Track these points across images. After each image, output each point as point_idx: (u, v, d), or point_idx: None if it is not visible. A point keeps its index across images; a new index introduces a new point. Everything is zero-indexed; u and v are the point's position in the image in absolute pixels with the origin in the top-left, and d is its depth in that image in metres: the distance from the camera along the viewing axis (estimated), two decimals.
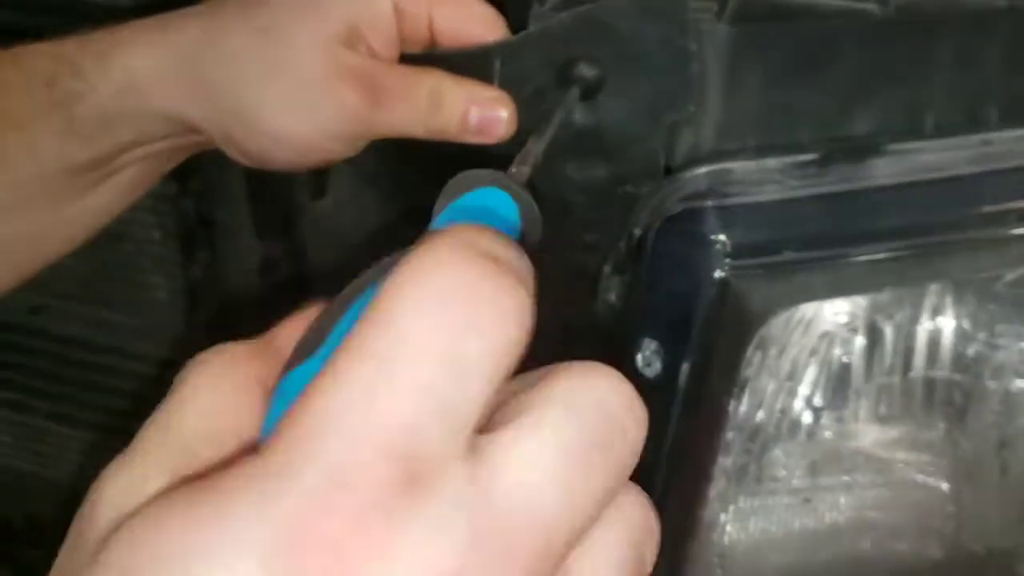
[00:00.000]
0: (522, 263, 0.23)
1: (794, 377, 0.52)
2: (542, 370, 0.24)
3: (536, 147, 0.44)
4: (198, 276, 0.82)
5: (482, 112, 0.52)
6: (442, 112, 0.51)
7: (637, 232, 0.51)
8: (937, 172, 0.52)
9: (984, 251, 0.53)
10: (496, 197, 0.36)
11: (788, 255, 0.48)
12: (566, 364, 0.24)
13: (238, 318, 0.78)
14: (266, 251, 0.79)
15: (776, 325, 0.50)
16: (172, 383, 0.24)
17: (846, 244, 0.49)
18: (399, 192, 0.69)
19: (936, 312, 0.50)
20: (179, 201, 0.81)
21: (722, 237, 0.48)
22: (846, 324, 0.51)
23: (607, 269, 0.52)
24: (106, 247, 0.87)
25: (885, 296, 0.50)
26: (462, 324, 0.21)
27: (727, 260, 0.47)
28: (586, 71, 0.52)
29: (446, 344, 0.21)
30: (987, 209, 0.53)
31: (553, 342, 0.58)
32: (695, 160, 0.52)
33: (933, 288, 0.50)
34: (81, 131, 0.52)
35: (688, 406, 0.49)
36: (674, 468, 0.50)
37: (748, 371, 0.49)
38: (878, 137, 0.54)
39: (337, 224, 0.73)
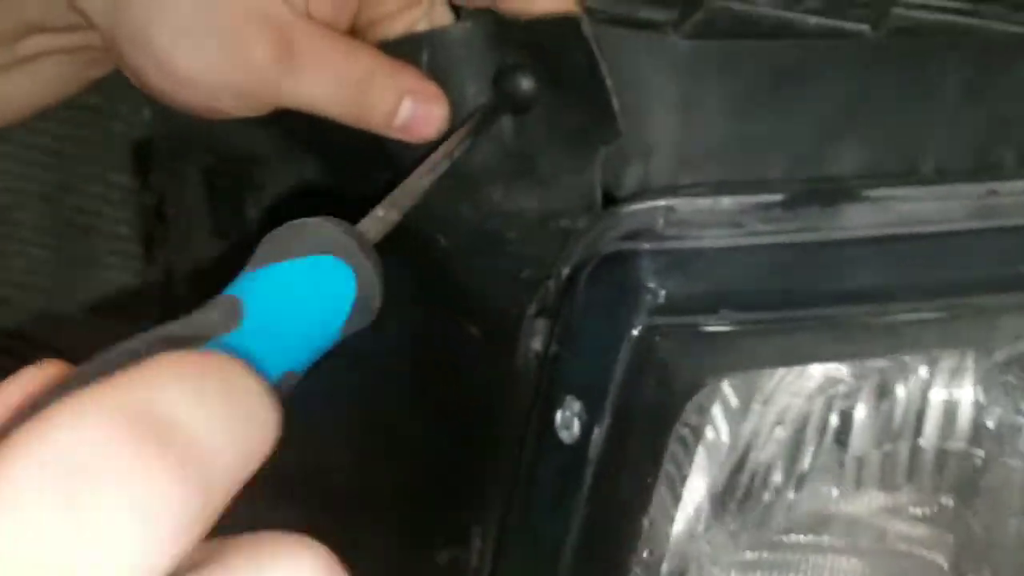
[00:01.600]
0: (226, 434, 0.19)
1: (750, 451, 0.44)
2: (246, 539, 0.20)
3: (410, 190, 0.37)
4: (157, 273, 0.77)
5: (415, 108, 0.45)
6: (369, 98, 0.45)
7: (566, 271, 0.44)
8: (928, 225, 0.44)
9: (983, 319, 0.45)
10: (328, 264, 0.30)
11: (729, 313, 0.40)
12: (271, 538, 0.20)
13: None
14: (225, 250, 0.74)
15: (713, 393, 0.43)
16: None
17: (804, 304, 0.42)
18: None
19: (913, 385, 0.43)
20: (139, 196, 0.76)
21: (651, 286, 0.41)
22: (811, 393, 0.44)
23: (531, 311, 0.46)
24: (75, 240, 0.83)
25: (848, 367, 0.42)
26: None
27: (653, 315, 0.40)
28: (521, 83, 0.45)
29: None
30: (986, 272, 0.45)
31: (475, 390, 0.52)
32: (640, 194, 0.45)
33: (908, 360, 0.42)
34: None
35: (599, 482, 0.42)
36: (580, 559, 0.43)
37: (676, 447, 0.42)
38: (859, 180, 0.46)
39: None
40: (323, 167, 0.63)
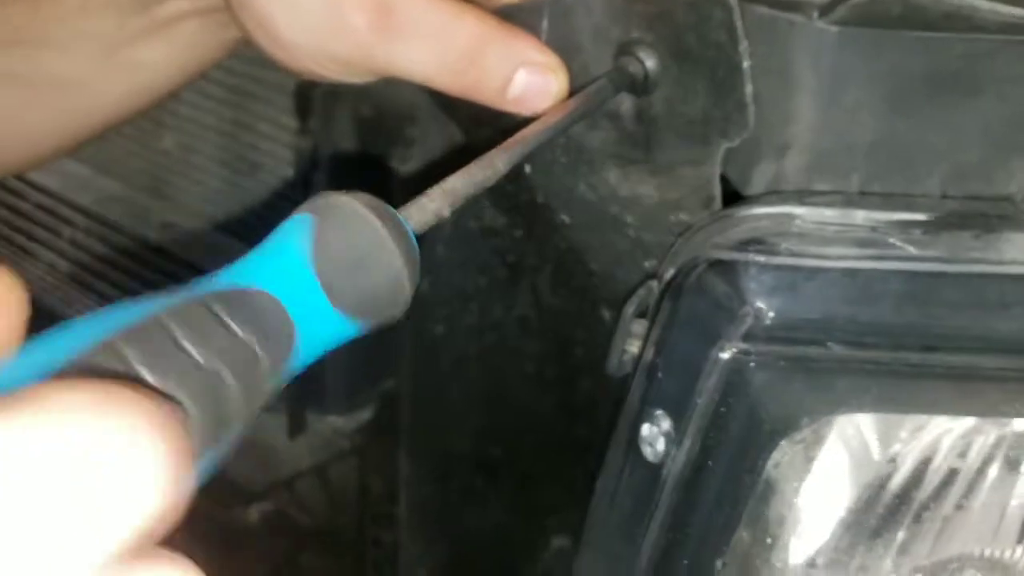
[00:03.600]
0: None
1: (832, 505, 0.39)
2: None
3: (478, 174, 0.34)
4: None
5: (531, 79, 0.42)
6: (479, 68, 0.42)
7: (670, 272, 0.40)
8: None
9: None
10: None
11: (837, 348, 0.35)
12: None
13: None
14: None
15: (815, 432, 0.38)
16: None
17: (931, 347, 0.36)
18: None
19: None
20: (298, 139, 0.77)
21: (752, 304, 0.36)
22: (923, 454, 0.38)
23: (630, 309, 0.42)
24: (245, 175, 0.85)
25: (968, 424, 0.36)
26: None
27: (748, 339, 0.35)
28: (644, 59, 0.41)
29: None
30: None
31: (598, 377, 0.48)
32: (761, 197, 0.40)
33: None
34: None
35: (675, 511, 0.38)
36: None
37: (762, 488, 0.37)
38: None
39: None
40: (473, 130, 0.61)
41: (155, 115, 0.87)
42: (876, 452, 0.40)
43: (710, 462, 0.37)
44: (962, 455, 0.41)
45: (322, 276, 0.27)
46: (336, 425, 0.83)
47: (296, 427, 0.72)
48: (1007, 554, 0.47)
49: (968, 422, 0.39)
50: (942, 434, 0.40)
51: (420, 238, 0.30)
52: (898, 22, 0.39)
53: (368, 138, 0.69)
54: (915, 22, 0.39)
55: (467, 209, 0.62)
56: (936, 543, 0.46)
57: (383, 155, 0.67)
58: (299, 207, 0.29)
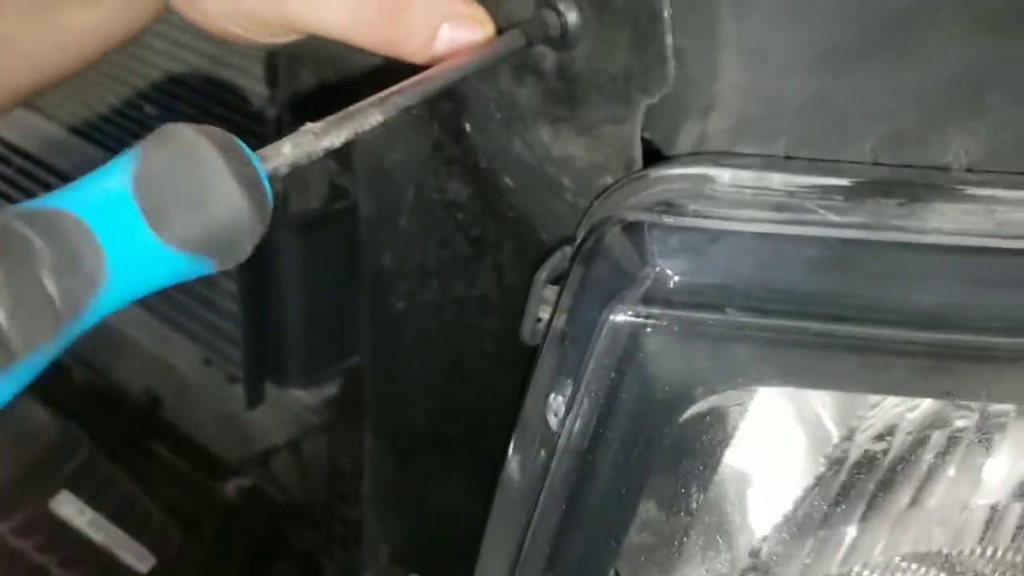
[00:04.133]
0: None
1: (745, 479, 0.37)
2: None
3: (355, 115, 0.32)
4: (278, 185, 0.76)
5: (456, 32, 0.40)
6: (400, 23, 0.40)
7: (580, 236, 0.38)
8: None
9: None
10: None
11: (736, 314, 0.33)
12: None
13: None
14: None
15: (731, 405, 0.36)
16: None
17: (843, 316, 0.33)
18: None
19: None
20: (266, 107, 0.76)
21: (651, 268, 0.34)
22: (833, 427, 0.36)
23: (541, 277, 0.40)
24: None
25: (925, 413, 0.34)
26: None
27: (642, 303, 0.33)
28: (564, 11, 0.39)
29: None
30: None
31: (522, 367, 0.47)
32: (676, 158, 0.38)
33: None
34: None
35: (572, 483, 0.36)
36: (551, 565, 0.37)
37: (666, 465, 0.35)
38: (963, 173, 0.36)
39: (387, 159, 0.64)
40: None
41: (135, 83, 0.87)
42: (821, 434, 0.39)
43: (605, 432, 0.35)
44: (916, 445, 0.39)
45: (144, 204, 0.25)
46: (304, 400, 0.82)
47: (254, 398, 0.71)
48: (969, 553, 0.45)
49: (925, 409, 0.37)
50: (895, 421, 0.38)
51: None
52: None
53: (333, 104, 0.68)
54: None
55: (430, 182, 0.61)
56: (891, 539, 0.44)
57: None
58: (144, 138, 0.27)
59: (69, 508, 0.91)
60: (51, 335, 0.23)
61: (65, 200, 0.25)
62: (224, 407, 0.88)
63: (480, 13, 0.41)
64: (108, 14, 0.51)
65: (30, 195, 0.87)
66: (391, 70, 0.62)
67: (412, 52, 0.41)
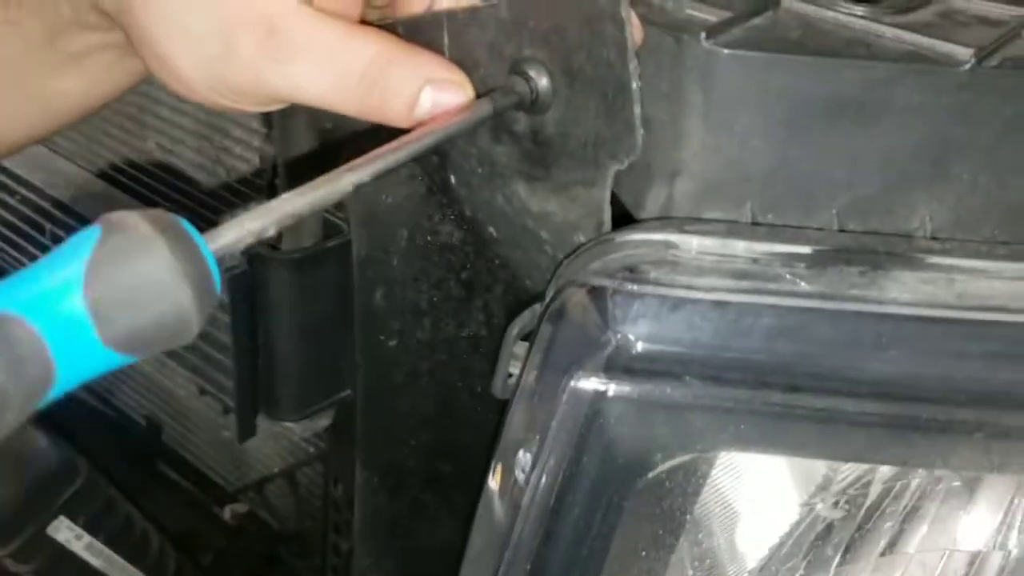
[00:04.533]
0: None
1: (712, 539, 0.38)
2: None
3: (307, 197, 0.33)
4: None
5: (437, 96, 0.41)
6: (382, 89, 0.41)
7: (550, 295, 0.39)
8: (995, 312, 0.35)
9: None
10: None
11: (695, 384, 0.33)
12: None
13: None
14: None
15: (692, 471, 0.36)
16: None
17: (799, 386, 0.34)
18: None
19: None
20: (263, 146, 0.77)
21: (611, 335, 0.34)
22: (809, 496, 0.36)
23: (512, 333, 0.40)
24: (221, 178, 0.85)
25: (846, 471, 0.34)
26: None
27: (602, 371, 0.34)
28: (535, 78, 0.40)
29: None
30: None
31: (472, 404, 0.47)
32: (642, 223, 0.38)
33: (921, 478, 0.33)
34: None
35: (536, 540, 0.37)
36: None
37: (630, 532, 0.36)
38: (922, 241, 0.37)
39: (381, 202, 0.65)
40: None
41: (139, 117, 0.88)
42: (789, 488, 0.39)
43: (568, 491, 0.36)
44: (892, 492, 0.39)
45: (93, 308, 0.25)
46: (299, 429, 0.83)
47: (245, 431, 0.72)
48: None
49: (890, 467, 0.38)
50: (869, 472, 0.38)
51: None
52: (795, 46, 0.37)
53: (326, 146, 0.69)
54: (813, 47, 0.37)
55: (423, 225, 0.61)
56: None
57: (338, 164, 0.67)
58: (91, 224, 0.27)
59: (67, 533, 0.92)
60: None
61: (14, 302, 0.25)
62: (220, 435, 0.89)
63: (459, 76, 0.42)
64: (94, 79, 0.52)
65: (33, 225, 0.87)
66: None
67: (394, 117, 0.42)
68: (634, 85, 0.37)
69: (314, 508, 0.90)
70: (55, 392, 0.25)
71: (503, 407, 0.42)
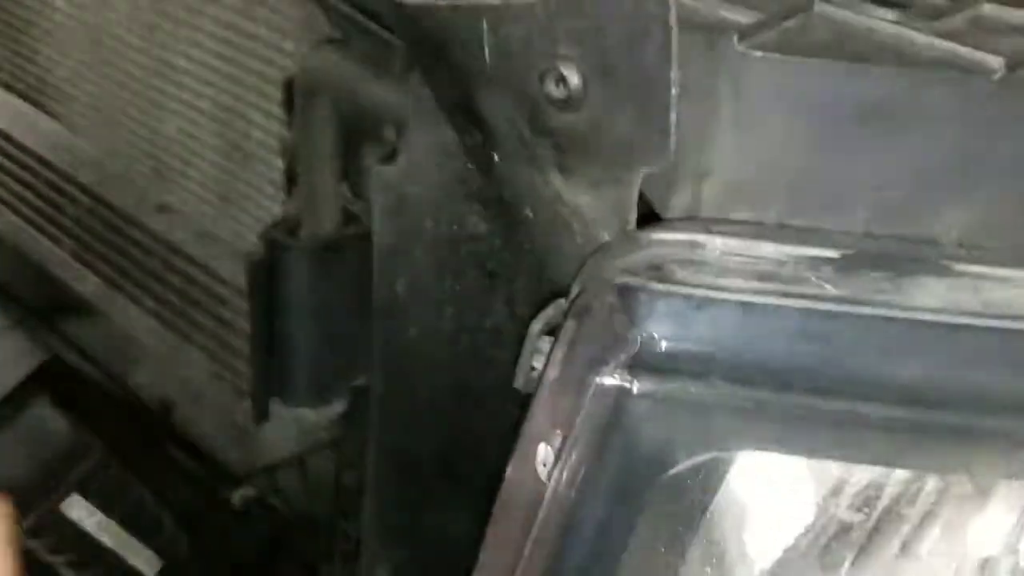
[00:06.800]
0: None
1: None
2: None
3: None
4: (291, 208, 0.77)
5: None
6: None
7: (575, 292, 0.39)
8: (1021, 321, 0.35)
9: None
10: None
11: (719, 384, 0.34)
12: None
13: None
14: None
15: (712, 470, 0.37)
16: None
17: (822, 390, 0.34)
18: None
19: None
20: (285, 130, 0.77)
21: (636, 333, 0.35)
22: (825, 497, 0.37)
23: (535, 328, 0.41)
24: (239, 163, 0.86)
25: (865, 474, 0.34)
26: None
27: (626, 368, 0.34)
28: (568, 76, 0.40)
29: None
30: None
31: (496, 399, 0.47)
32: (667, 223, 0.39)
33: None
34: None
35: (557, 536, 0.37)
36: None
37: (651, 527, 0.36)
38: (951, 249, 0.37)
39: (407, 192, 0.65)
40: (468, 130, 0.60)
41: (159, 100, 0.88)
42: (807, 488, 0.39)
43: (589, 492, 0.36)
44: (900, 503, 0.40)
45: None
46: (311, 415, 0.83)
47: (261, 414, 0.72)
48: None
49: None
50: (879, 479, 0.38)
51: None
52: (826, 50, 0.37)
53: (346, 136, 0.69)
54: (845, 51, 0.37)
55: (449, 215, 0.61)
56: None
57: (360, 153, 0.67)
58: None
59: (80, 511, 0.92)
60: None
61: None
62: (233, 419, 0.89)
63: None
64: None
65: (55, 207, 0.88)
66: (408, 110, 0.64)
67: None
68: (673, 92, 0.37)
69: (324, 494, 0.91)
70: None
71: (524, 400, 0.42)
